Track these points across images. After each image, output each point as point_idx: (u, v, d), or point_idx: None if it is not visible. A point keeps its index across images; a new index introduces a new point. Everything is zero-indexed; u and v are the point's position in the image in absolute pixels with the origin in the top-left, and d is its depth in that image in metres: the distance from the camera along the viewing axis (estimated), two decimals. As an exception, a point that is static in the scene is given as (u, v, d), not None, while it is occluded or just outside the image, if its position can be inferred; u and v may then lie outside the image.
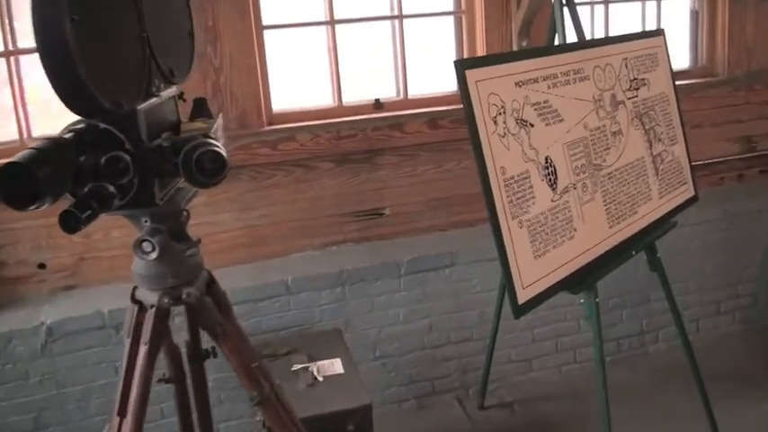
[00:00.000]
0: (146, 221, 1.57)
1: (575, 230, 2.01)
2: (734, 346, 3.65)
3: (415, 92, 3.27)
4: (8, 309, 2.96)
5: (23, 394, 2.83)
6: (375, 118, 3.18)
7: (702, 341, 3.58)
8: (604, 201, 2.14)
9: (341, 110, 3.19)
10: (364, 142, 3.18)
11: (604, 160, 2.17)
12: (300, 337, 2.88)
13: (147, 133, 1.44)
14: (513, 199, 1.83)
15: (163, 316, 1.62)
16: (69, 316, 2.85)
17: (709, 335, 3.69)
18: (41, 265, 3.05)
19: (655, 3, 3.54)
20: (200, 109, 1.71)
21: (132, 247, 1.58)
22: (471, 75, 1.78)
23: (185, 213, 1.73)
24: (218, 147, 1.40)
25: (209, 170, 1.40)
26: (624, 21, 3.51)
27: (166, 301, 1.62)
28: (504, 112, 1.85)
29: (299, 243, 3.23)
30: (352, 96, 3.21)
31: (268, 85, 3.09)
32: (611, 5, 3.44)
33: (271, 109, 3.12)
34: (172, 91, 1.67)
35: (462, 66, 1.77)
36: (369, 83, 3.24)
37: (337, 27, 3.09)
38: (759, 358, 3.52)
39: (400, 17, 3.14)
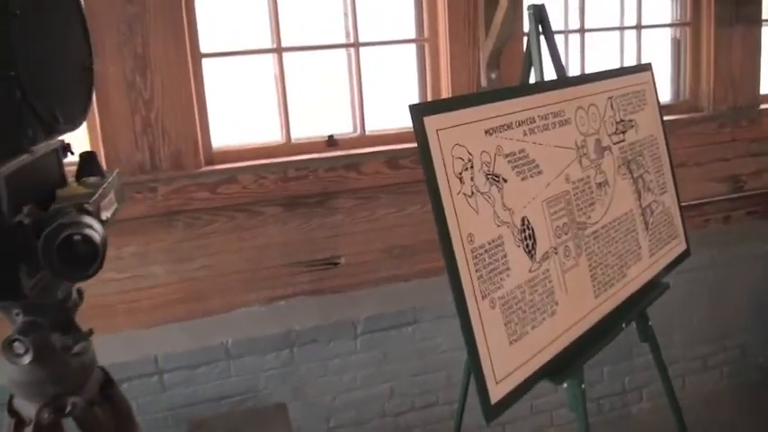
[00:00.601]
0: (17, 314, 1.20)
1: (556, 304, 1.68)
2: (722, 403, 3.36)
3: (373, 127, 2.94)
4: None
5: None
6: (328, 157, 2.83)
7: (689, 399, 3.27)
8: (590, 265, 1.82)
9: (289, 147, 2.84)
10: (316, 184, 2.83)
11: (589, 217, 1.85)
12: (239, 415, 2.50)
13: (12, 203, 1.07)
14: (483, 273, 1.50)
15: (43, 434, 1.25)
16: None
17: (696, 392, 3.39)
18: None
19: (634, 31, 3.28)
20: (89, 165, 1.34)
21: (1, 349, 1.20)
22: (431, 122, 1.45)
23: (75, 296, 1.36)
24: (89, 229, 1.04)
25: (75, 261, 1.04)
26: (601, 51, 3.23)
27: (46, 415, 1.24)
28: (472, 167, 1.52)
29: (243, 298, 2.85)
30: (301, 132, 2.86)
31: (207, 120, 2.73)
32: (587, 34, 3.16)
33: (210, 147, 2.76)
34: (54, 143, 1.30)
35: (420, 112, 1.43)
36: (321, 117, 2.90)
37: (285, 55, 2.75)
38: (748, 415, 3.24)
39: (356, 45, 2.81)
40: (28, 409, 1.24)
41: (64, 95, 1.35)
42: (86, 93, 1.47)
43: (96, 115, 2.55)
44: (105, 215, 1.22)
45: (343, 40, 2.84)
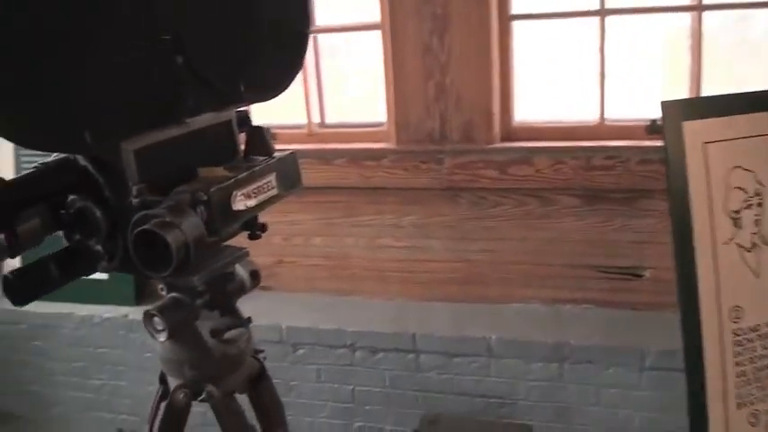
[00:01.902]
0: (162, 289, 1.13)
1: None
2: None
3: (713, 116, 2.31)
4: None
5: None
6: (646, 147, 2.30)
7: None
8: None
9: (600, 130, 2.39)
10: (625, 177, 2.34)
11: None
12: (474, 424, 2.24)
13: (153, 179, 0.98)
14: (747, 369, 0.98)
15: (176, 415, 1.20)
16: (250, 322, 2.61)
17: None
18: (243, 262, 2.88)
19: None
20: (255, 142, 1.18)
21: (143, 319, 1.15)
22: (695, 130, 0.96)
23: (243, 278, 1.25)
24: (172, 228, 0.88)
25: (149, 258, 0.90)
26: None
27: (181, 396, 1.19)
28: (760, 204, 0.99)
29: (522, 292, 2.55)
30: (618, 113, 2.38)
31: (509, 91, 2.44)
32: None
33: (510, 121, 2.47)
34: (226, 114, 1.16)
35: (678, 112, 0.96)
36: (644, 97, 2.38)
37: (609, 19, 2.28)
38: None
39: (699, 7, 2.20)
40: (171, 383, 1.20)
41: (257, 61, 1.20)
42: (293, 60, 1.31)
43: (392, 78, 2.45)
44: (245, 204, 1.05)
45: (684, 1, 2.25)
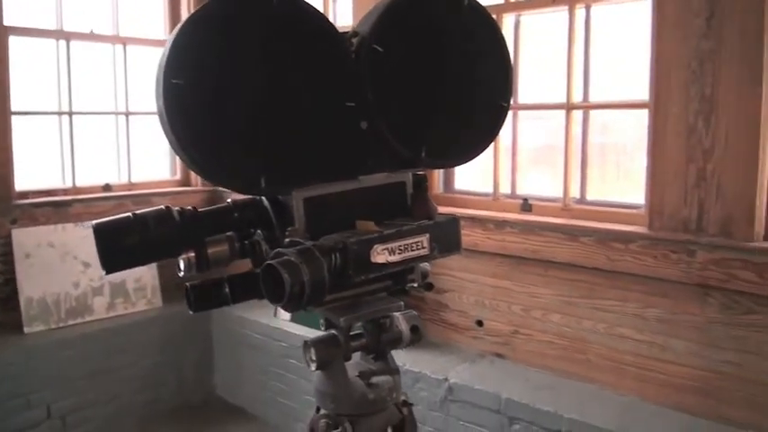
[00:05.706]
0: (322, 325, 1.27)
1: None
2: None
3: None
4: (442, 351, 2.96)
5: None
6: None
7: None
8: None
9: None
10: None
11: None
12: None
13: (317, 225, 1.12)
14: None
15: (317, 443, 1.30)
16: (472, 385, 2.64)
17: None
18: (479, 323, 2.93)
19: None
20: (417, 204, 1.24)
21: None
22: None
23: (401, 330, 1.32)
24: (290, 267, 0.99)
25: (269, 287, 1.02)
26: None
27: (322, 424, 1.29)
28: None
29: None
30: None
31: (784, 185, 2.14)
32: None
33: (776, 217, 2.16)
34: (402, 176, 1.25)
35: None
36: None
37: None
38: None
39: None
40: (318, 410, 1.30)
41: (445, 130, 1.27)
42: (486, 131, 1.34)
43: (651, 158, 2.32)
44: (386, 258, 1.12)
45: None
